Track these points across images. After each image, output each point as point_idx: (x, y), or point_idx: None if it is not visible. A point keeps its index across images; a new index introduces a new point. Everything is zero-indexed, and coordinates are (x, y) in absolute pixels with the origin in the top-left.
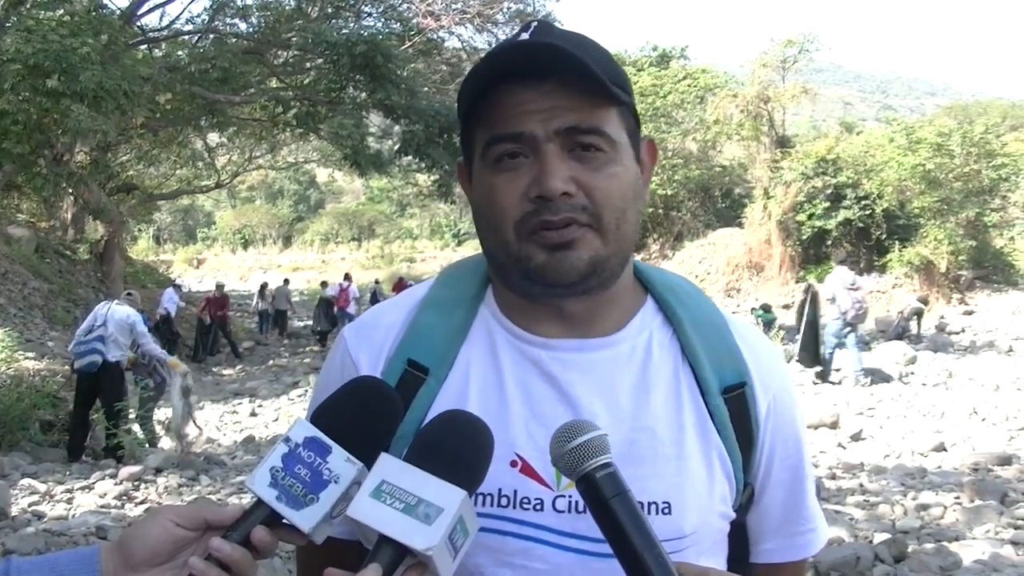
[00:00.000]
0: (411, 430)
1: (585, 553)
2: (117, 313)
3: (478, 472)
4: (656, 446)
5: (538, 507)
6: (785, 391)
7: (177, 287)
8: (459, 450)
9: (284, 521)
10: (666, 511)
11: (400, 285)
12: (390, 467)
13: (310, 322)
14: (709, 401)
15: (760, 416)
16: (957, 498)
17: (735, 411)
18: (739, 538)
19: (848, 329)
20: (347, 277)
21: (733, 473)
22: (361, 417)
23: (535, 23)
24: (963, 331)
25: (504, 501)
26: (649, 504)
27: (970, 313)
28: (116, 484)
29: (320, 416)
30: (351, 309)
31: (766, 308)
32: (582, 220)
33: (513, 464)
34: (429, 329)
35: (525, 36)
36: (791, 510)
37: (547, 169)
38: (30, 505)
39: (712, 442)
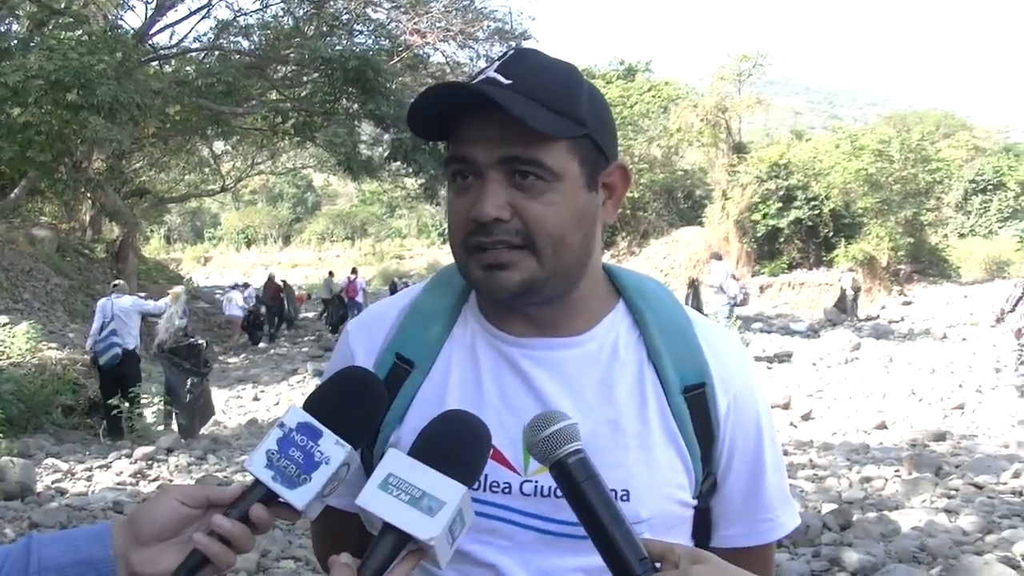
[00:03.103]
0: (397, 416)
1: (547, 533)
2: (119, 305)
3: (476, 468)
4: (618, 438)
5: (506, 490)
6: (747, 391)
7: (244, 285)
8: (459, 447)
9: (280, 499)
10: (625, 498)
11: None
12: (397, 462)
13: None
14: (671, 399)
15: (720, 413)
16: (897, 471)
17: (695, 408)
18: (704, 522)
19: (734, 312)
20: (354, 271)
21: (692, 465)
22: (349, 403)
23: (511, 52)
24: (902, 320)
25: (476, 485)
26: (609, 491)
27: (908, 304)
28: (131, 463)
29: (312, 403)
30: (359, 299)
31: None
32: (515, 243)
33: None
34: (417, 327)
35: (493, 68)
36: (751, 500)
37: (483, 195)
38: (53, 482)
39: (672, 436)
